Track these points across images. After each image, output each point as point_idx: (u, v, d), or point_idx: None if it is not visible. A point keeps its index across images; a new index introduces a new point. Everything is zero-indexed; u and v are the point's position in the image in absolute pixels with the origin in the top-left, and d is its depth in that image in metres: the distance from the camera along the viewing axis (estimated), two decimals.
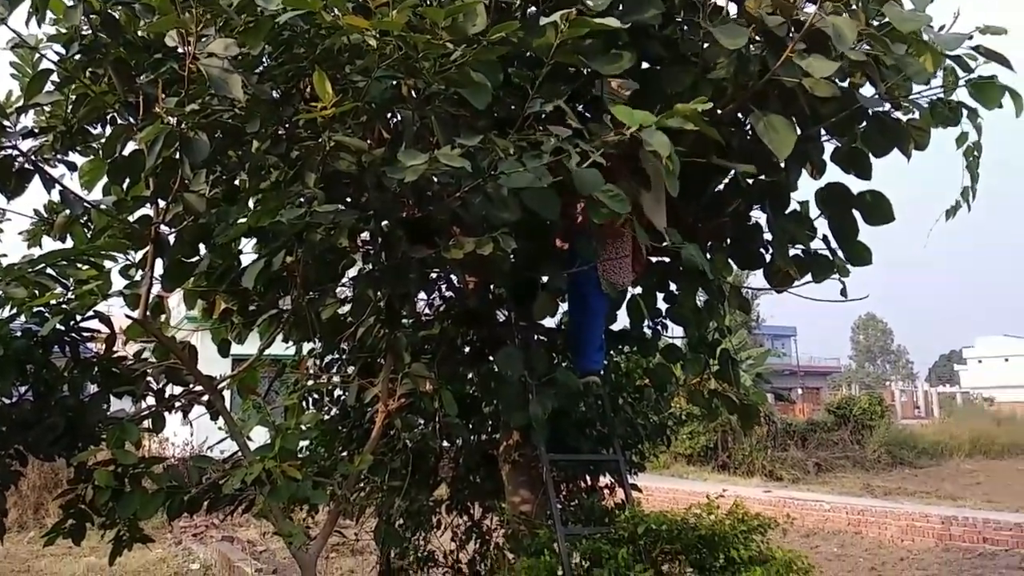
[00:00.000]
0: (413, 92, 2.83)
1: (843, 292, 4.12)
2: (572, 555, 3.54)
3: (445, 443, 4.66)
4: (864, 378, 63.83)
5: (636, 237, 3.81)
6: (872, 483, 18.34)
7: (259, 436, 3.39)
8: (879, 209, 3.98)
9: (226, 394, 3.82)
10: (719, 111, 3.55)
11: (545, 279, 4.04)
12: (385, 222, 3.25)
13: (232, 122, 2.66)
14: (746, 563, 3.40)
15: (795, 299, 4.39)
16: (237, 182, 3.50)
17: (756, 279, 4.68)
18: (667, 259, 4.37)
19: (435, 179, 2.83)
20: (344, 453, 4.41)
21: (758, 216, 4.34)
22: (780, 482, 18.95)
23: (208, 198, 3.00)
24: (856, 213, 4.04)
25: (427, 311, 4.67)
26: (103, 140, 3.14)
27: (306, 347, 4.79)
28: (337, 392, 4.80)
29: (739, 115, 3.78)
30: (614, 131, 2.72)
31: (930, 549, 11.38)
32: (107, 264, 3.20)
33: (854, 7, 3.18)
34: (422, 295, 4.61)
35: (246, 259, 3.57)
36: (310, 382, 4.69)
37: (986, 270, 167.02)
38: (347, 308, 3.98)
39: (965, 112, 3.60)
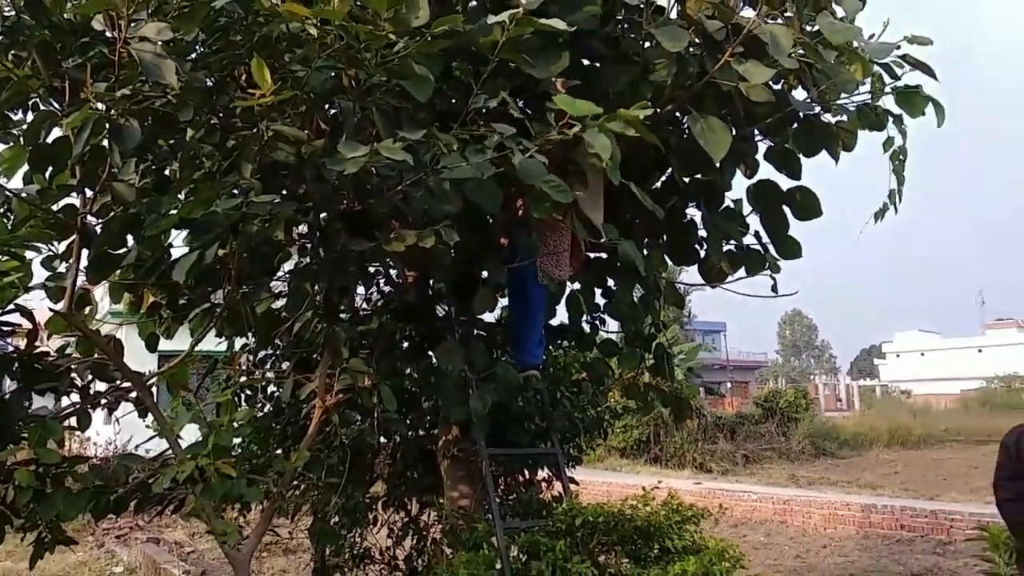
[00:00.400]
0: (354, 83, 2.79)
1: (774, 288, 4.24)
2: (511, 548, 3.56)
3: (383, 439, 4.63)
4: (790, 372, 65.98)
5: (575, 232, 3.86)
6: (797, 473, 18.97)
7: (188, 435, 3.29)
8: (808, 205, 4.11)
9: (154, 391, 3.70)
10: (658, 111, 3.61)
11: (485, 274, 4.05)
12: (324, 215, 3.20)
13: (164, 110, 2.57)
14: (680, 553, 3.48)
15: (726, 295, 4.50)
16: (168, 172, 3.39)
17: (690, 275, 4.79)
18: (604, 255, 4.43)
19: (376, 172, 2.80)
20: (279, 451, 4.33)
21: (693, 213, 4.44)
22: (710, 474, 19.41)
23: (138, 188, 2.89)
24: (787, 209, 4.17)
25: (365, 306, 4.62)
26: (24, 126, 3.00)
27: (238, 343, 4.68)
28: (271, 389, 4.71)
29: (677, 115, 3.85)
30: (557, 130, 2.74)
31: (851, 536, 11.84)
32: (29, 255, 3.05)
33: (789, 14, 3.27)
34: (360, 289, 4.56)
35: (176, 252, 3.47)
36: (243, 378, 4.58)
37: (904, 269, 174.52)
38: (282, 303, 3.91)
39: (891, 118, 3.74)
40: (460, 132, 2.78)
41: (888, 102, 3.71)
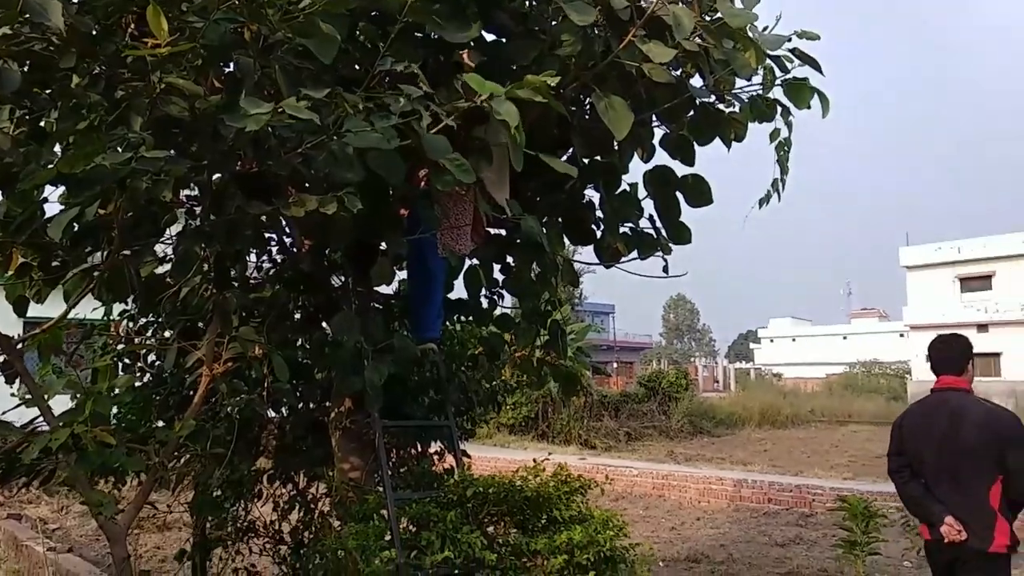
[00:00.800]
0: (255, 39, 2.67)
1: (665, 268, 4.40)
2: (401, 519, 3.57)
3: (272, 412, 4.51)
4: (672, 354, 68.57)
5: (477, 207, 3.86)
6: (675, 450, 19.83)
7: (58, 405, 3.09)
8: (700, 192, 4.27)
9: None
10: (562, 90, 3.66)
11: (384, 245, 4.00)
12: (218, 175, 3.07)
13: (46, 53, 2.39)
14: (567, 522, 3.58)
15: (615, 279, 4.64)
16: (45, 123, 3.14)
17: (584, 256, 4.91)
18: (504, 232, 4.46)
19: (275, 133, 2.70)
20: (160, 423, 4.15)
21: (591, 195, 4.54)
22: (594, 450, 20.00)
23: (12, 136, 2.68)
24: (679, 196, 4.32)
25: (255, 274, 4.47)
26: None
27: (117, 309, 4.43)
28: (152, 357, 4.49)
29: (581, 96, 3.90)
30: (465, 98, 2.72)
31: (723, 509, 12.50)
32: None
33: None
34: (252, 257, 4.40)
35: (50, 209, 3.23)
36: (122, 345, 4.35)
37: (781, 258, 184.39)
38: (167, 268, 3.72)
39: (780, 109, 3.93)
40: (365, 96, 2.72)
41: (777, 93, 3.90)
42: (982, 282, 39.22)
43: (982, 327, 37.97)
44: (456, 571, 3.35)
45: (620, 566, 3.64)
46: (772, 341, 70.45)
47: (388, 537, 3.46)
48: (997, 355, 37.20)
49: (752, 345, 78.07)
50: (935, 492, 3.93)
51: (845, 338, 62.49)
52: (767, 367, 56.72)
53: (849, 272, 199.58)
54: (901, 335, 47.69)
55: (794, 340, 67.60)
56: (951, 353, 4.23)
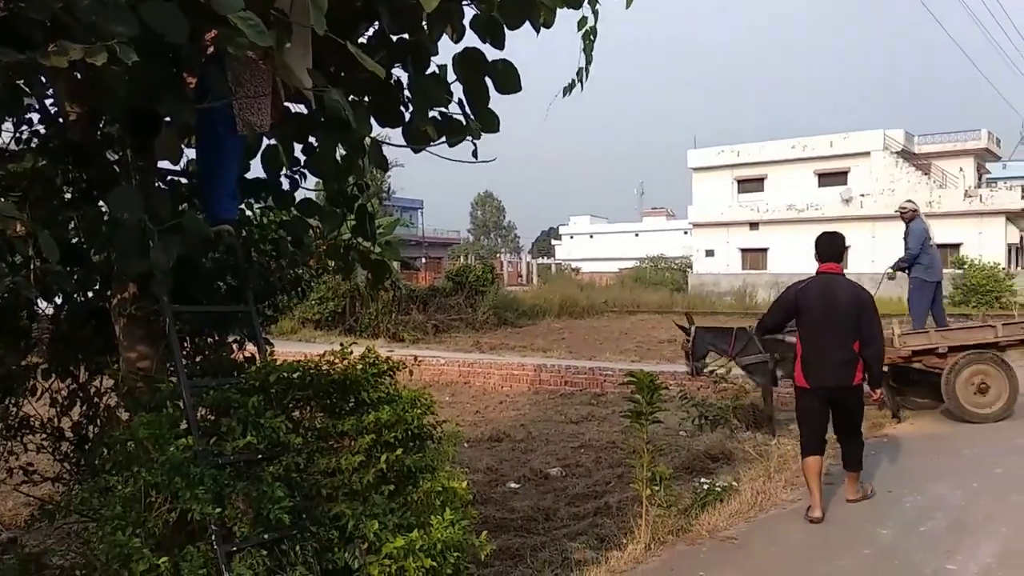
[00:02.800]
0: None
1: (474, 153, 4.37)
2: (198, 409, 3.40)
3: (43, 301, 4.05)
4: (479, 250, 69.98)
5: (276, 77, 3.58)
6: (481, 340, 20.57)
7: None
8: (509, 78, 4.24)
9: None
10: None
11: (169, 116, 3.61)
12: None
13: None
14: (375, 403, 3.58)
15: (422, 175, 4.56)
16: None
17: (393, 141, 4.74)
18: (305, 110, 4.20)
19: None
20: None
21: (399, 75, 4.36)
22: (403, 343, 20.27)
23: None
24: (489, 81, 4.26)
25: (14, 146, 3.89)
26: None
27: None
28: None
29: None
30: None
31: (524, 392, 13.24)
32: None
33: None
34: (7, 126, 3.82)
35: None
36: None
37: (582, 157, 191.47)
38: None
39: None
40: None
41: None
42: (756, 184, 43.21)
43: (754, 225, 42.15)
44: (259, 456, 3.27)
45: (427, 443, 3.73)
46: (572, 238, 74.01)
47: (184, 426, 3.30)
48: (765, 250, 41.60)
49: (554, 241, 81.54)
50: (819, 344, 5.49)
51: (637, 235, 67.02)
52: (567, 262, 59.74)
53: (643, 173, 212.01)
54: (686, 232, 51.83)
55: (591, 237, 71.46)
56: (835, 246, 5.75)
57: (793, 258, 39.18)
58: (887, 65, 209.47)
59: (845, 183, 39.82)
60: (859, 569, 4.68)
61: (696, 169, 45.03)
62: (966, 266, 31.82)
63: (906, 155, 39.73)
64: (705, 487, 6.06)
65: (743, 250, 42.52)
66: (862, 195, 38.73)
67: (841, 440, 5.84)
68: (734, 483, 6.28)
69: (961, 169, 40.25)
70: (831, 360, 5.46)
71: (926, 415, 9.38)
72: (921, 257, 9.74)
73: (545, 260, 59.90)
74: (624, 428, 8.67)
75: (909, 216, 9.91)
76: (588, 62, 4.48)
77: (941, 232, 21.24)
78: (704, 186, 44.67)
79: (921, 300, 9.81)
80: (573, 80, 4.54)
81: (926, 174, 38.94)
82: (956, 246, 34.60)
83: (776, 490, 6.12)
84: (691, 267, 45.43)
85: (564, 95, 4.60)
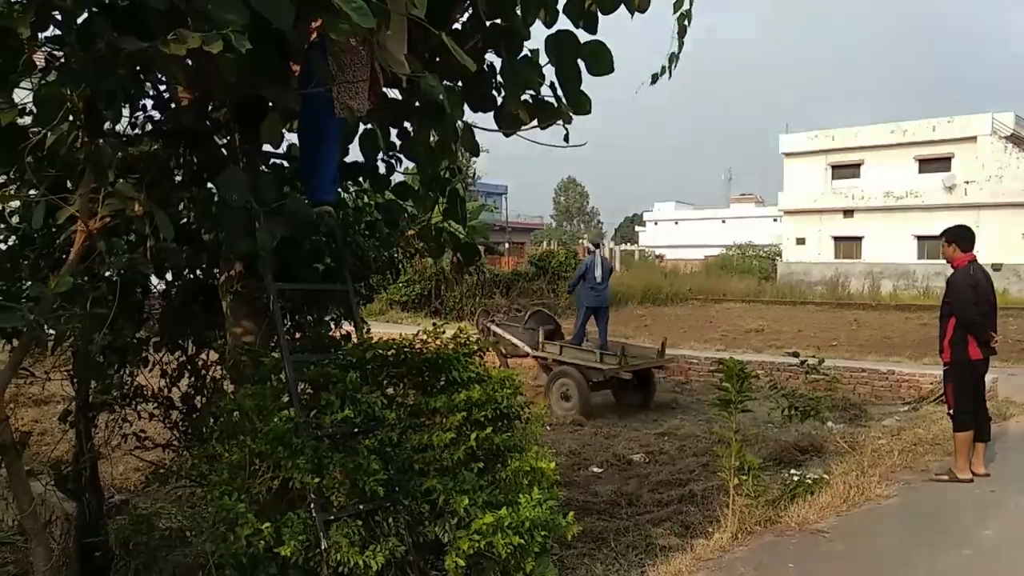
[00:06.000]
0: None
1: (566, 138, 4.36)
2: (299, 382, 3.54)
3: (156, 278, 4.29)
4: (562, 235, 69.83)
5: (375, 63, 3.67)
6: (564, 326, 20.51)
7: None
8: (601, 59, 4.20)
9: None
10: None
11: (273, 101, 3.74)
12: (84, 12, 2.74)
13: None
14: (466, 383, 3.66)
15: (509, 159, 4.58)
16: None
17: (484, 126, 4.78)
18: (400, 96, 4.29)
19: None
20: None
21: (492, 60, 4.39)
22: None
23: None
24: (581, 64, 4.24)
25: (130, 129, 4.12)
26: None
27: None
28: (16, 220, 4.13)
29: None
30: None
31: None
32: None
33: None
34: (125, 112, 4.04)
35: None
36: None
37: (669, 141, 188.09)
38: (29, 120, 3.36)
39: None
40: None
41: None
42: (851, 170, 41.47)
43: (848, 212, 40.49)
44: (356, 429, 3.39)
45: (516, 423, 3.78)
46: (656, 224, 72.84)
47: (286, 398, 3.45)
48: (860, 239, 39.96)
49: (637, 228, 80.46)
50: (991, 321, 6.32)
51: (724, 222, 65.36)
52: (651, 248, 58.88)
53: (731, 158, 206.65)
54: (775, 219, 50.23)
55: (676, 223, 70.16)
56: (971, 237, 6.54)
57: (889, 247, 37.51)
58: (994, 44, 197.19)
59: (948, 169, 37.71)
60: (957, 570, 4.49)
61: (788, 154, 43.53)
62: None
63: (1016, 139, 37.31)
64: (795, 479, 5.92)
65: (836, 238, 40.93)
66: (966, 182, 36.60)
67: (982, 412, 6.48)
68: (825, 476, 6.11)
69: None
70: (994, 336, 6.33)
71: None
72: None
73: (628, 247, 59.20)
74: (709, 417, 8.54)
75: None
76: (680, 47, 4.39)
77: None
78: (796, 172, 43.16)
79: None
80: (664, 66, 4.47)
81: None
82: None
83: (870, 485, 5.91)
84: (780, 255, 44.06)
85: (653, 82, 4.54)
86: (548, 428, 8.89)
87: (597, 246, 12.88)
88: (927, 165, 38.85)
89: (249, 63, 3.09)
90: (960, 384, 6.30)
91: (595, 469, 7.47)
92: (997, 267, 9.63)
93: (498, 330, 12.20)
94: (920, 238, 36.84)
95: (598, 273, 11.61)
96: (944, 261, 6.81)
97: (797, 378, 10.79)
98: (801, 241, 42.46)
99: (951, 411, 6.36)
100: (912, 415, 9.39)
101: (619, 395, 11.26)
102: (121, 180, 3.26)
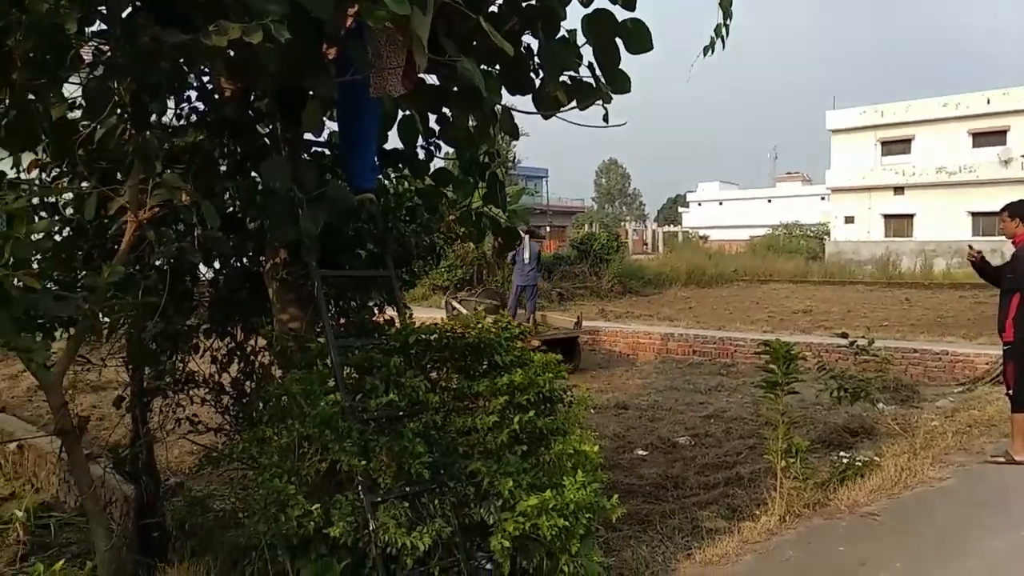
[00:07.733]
0: None
1: (605, 118, 4.32)
2: (344, 367, 3.59)
3: (203, 265, 4.38)
4: (604, 218, 69.44)
5: (412, 49, 3.66)
6: (606, 308, 20.45)
7: None
8: (640, 38, 4.13)
9: None
10: None
11: (313, 90, 3.78)
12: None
13: None
14: (508, 366, 3.67)
15: (550, 142, 4.55)
16: None
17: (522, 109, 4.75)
18: (438, 81, 4.29)
19: None
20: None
21: (529, 42, 4.36)
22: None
23: None
24: (619, 42, 4.18)
25: (175, 121, 4.21)
26: None
27: (25, 160, 4.12)
28: (70, 211, 4.25)
29: None
30: None
31: (651, 360, 13.11)
32: None
33: None
34: (170, 104, 4.13)
35: None
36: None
37: (713, 121, 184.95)
38: (79, 114, 3.45)
39: None
40: None
41: None
42: (902, 145, 40.34)
43: (899, 190, 39.46)
44: (400, 413, 3.42)
45: (558, 406, 3.78)
46: (700, 205, 71.94)
47: (332, 383, 3.50)
48: (911, 216, 38.94)
49: (681, 209, 79.60)
50: None
51: (770, 201, 64.24)
52: (695, 230, 58.15)
53: (777, 136, 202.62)
54: (823, 198, 49.20)
55: (721, 204, 69.18)
56: None
57: (942, 224, 36.44)
58: None
59: (1004, 143, 36.46)
60: (1015, 551, 4.38)
61: (835, 131, 42.52)
62: None
63: None
64: (844, 461, 5.82)
65: (886, 216, 39.92)
66: (1023, 156, 35.36)
67: None
68: (876, 458, 6.00)
69: None
70: None
71: None
72: None
73: (672, 228, 58.64)
74: (756, 399, 8.44)
75: None
76: (727, 17, 4.29)
77: None
78: (844, 149, 42.15)
79: None
80: (712, 38, 4.38)
81: None
82: None
83: (923, 467, 5.79)
84: (828, 234, 43.17)
85: (704, 55, 4.44)
86: (592, 412, 8.88)
87: (528, 232, 14.45)
88: (981, 139, 37.62)
89: (289, 52, 3.13)
90: (1023, 364, 6.10)
91: (640, 452, 7.44)
92: None
93: (456, 304, 14.84)
94: (975, 214, 35.76)
95: (526, 256, 13.85)
96: (1003, 237, 6.58)
97: (846, 359, 10.55)
98: (850, 219, 41.52)
99: (1010, 391, 6.17)
100: (967, 396, 9.14)
101: None
102: (168, 171, 3.33)
